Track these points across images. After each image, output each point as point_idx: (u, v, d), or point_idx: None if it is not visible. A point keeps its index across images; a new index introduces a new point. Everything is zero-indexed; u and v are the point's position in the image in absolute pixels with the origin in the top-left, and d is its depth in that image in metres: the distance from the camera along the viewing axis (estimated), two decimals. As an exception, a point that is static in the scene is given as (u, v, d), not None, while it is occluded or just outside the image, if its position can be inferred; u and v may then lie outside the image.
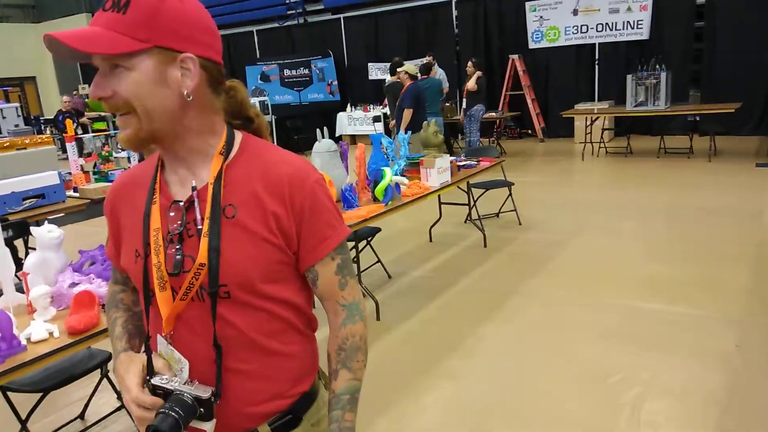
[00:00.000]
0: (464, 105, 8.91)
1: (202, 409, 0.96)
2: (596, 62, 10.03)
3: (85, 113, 12.96)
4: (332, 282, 1.06)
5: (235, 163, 1.02)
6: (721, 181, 6.65)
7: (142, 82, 0.92)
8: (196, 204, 1.00)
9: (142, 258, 1.02)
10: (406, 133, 6.48)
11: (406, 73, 6.83)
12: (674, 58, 9.09)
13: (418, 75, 7.22)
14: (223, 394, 1.00)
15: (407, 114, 6.61)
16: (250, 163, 1.02)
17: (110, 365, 2.56)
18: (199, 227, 0.98)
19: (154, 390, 0.98)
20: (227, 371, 1.00)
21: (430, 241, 5.32)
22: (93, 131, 12.71)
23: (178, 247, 0.99)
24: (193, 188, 1.00)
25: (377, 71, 12.27)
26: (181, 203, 1.01)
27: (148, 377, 1.01)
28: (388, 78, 7.94)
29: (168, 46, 0.93)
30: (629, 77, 8.20)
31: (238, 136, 1.06)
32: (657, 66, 8.01)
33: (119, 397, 2.68)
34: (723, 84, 9.02)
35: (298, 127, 12.40)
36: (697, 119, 9.02)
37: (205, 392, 0.97)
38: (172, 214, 1.01)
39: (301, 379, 1.09)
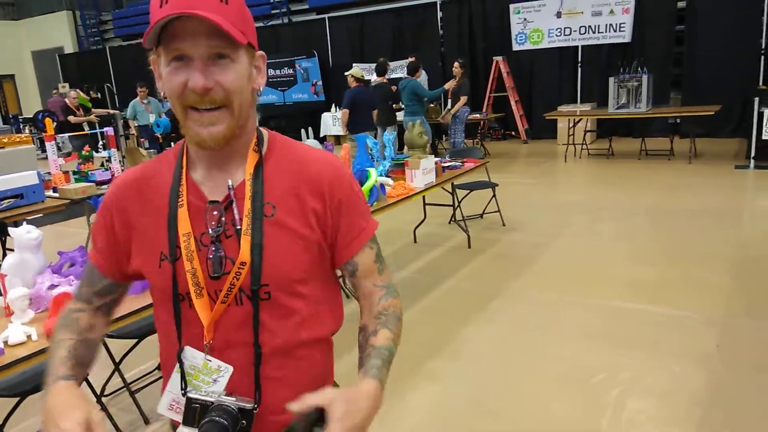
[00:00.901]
0: (449, 106, 8.93)
1: (244, 421, 0.92)
2: (579, 64, 10.12)
3: (76, 111, 12.81)
4: (371, 269, 1.08)
5: (267, 160, 1.01)
6: (702, 182, 6.74)
7: (242, 75, 0.93)
8: (234, 203, 0.97)
9: (169, 262, 0.97)
10: (348, 132, 6.69)
11: (353, 76, 6.97)
12: (656, 61, 9.19)
13: (366, 78, 7.45)
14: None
15: (343, 114, 6.87)
16: (283, 161, 1.02)
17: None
18: (238, 227, 0.96)
19: (190, 403, 0.94)
20: (263, 379, 0.97)
21: (415, 242, 5.32)
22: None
23: (215, 248, 0.96)
24: (230, 187, 0.98)
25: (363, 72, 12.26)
26: (218, 203, 0.98)
27: (183, 390, 0.97)
28: (374, 78, 7.95)
29: (253, 42, 0.95)
30: (611, 80, 8.28)
31: (265, 133, 1.05)
32: (639, 68, 8.10)
33: (99, 401, 2.64)
34: (703, 87, 9.15)
35: (282, 128, 12.34)
36: (678, 121, 9.14)
37: (248, 402, 0.93)
38: (214, 213, 0.98)
39: (323, 385, 1.06)
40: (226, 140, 0.93)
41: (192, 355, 0.98)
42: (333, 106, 12.52)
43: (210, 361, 0.96)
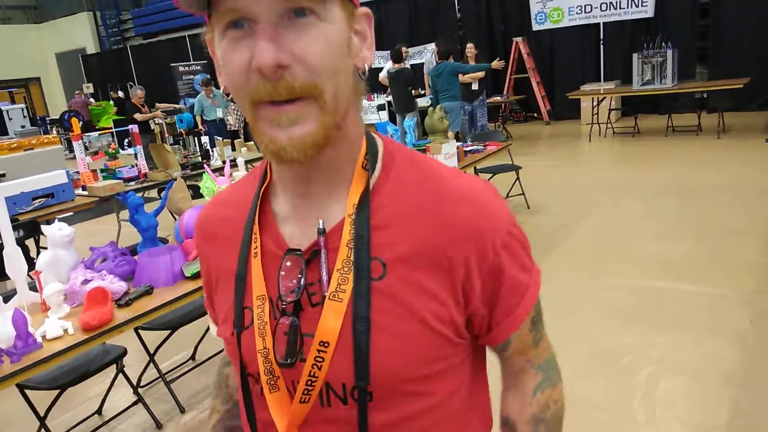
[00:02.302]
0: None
1: None
2: (601, 42, 9.91)
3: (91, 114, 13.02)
4: (525, 342, 0.76)
5: (380, 189, 0.66)
6: (731, 158, 6.58)
7: (336, 43, 0.58)
8: (323, 254, 0.65)
9: (235, 333, 0.70)
10: None
11: None
12: (680, 35, 8.97)
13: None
14: None
15: None
16: (403, 191, 0.66)
17: (125, 360, 2.59)
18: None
19: None
20: None
21: (439, 227, 5.30)
22: (100, 129, 12.77)
23: (292, 320, 0.65)
24: (321, 231, 0.65)
25: (381, 59, 12.21)
26: (300, 253, 0.66)
27: None
28: (390, 65, 7.93)
29: None
30: (635, 56, 8.11)
31: (379, 142, 0.70)
32: (663, 44, 7.91)
33: (135, 392, 2.71)
34: (730, 60, 8.90)
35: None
36: (705, 96, 8.92)
37: None
38: (288, 264, 0.67)
39: None
40: (317, 148, 0.59)
41: None
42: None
43: None
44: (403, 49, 8.62)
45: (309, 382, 0.64)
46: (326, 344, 0.62)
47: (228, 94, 8.38)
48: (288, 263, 0.66)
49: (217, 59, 0.62)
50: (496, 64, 8.15)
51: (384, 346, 0.62)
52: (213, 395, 0.90)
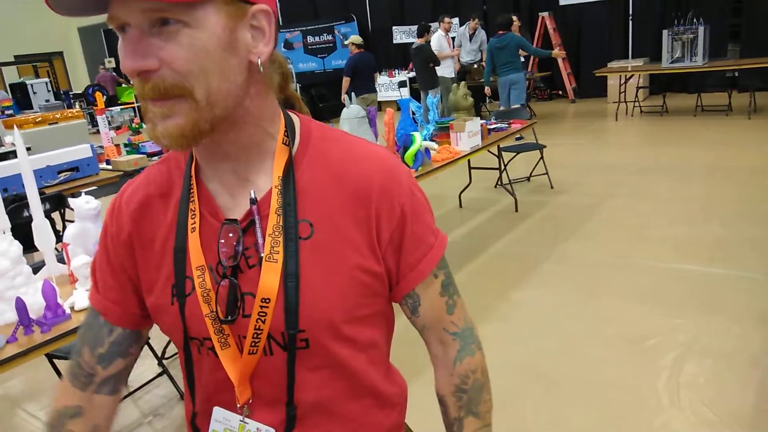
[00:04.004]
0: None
1: None
2: (630, 18, 9.66)
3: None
4: (438, 306, 0.81)
5: (300, 160, 0.76)
6: (761, 138, 6.40)
7: (204, 47, 0.63)
8: (257, 221, 0.73)
9: (177, 301, 0.76)
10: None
11: (353, 43, 7.45)
12: (712, 11, 8.69)
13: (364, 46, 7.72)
14: None
15: (345, 82, 7.30)
16: (320, 160, 0.76)
17: (150, 332, 2.62)
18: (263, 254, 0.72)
19: None
20: None
21: (460, 206, 5.27)
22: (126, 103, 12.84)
23: (231, 281, 0.73)
24: (252, 201, 0.74)
25: (402, 35, 12.05)
26: (237, 223, 0.74)
27: None
28: (416, 41, 7.83)
29: None
30: (665, 32, 7.88)
31: (296, 120, 0.79)
32: (694, 20, 7.67)
33: (160, 363, 2.75)
34: (763, 37, 8.61)
35: (323, 95, 12.31)
36: (736, 75, 8.67)
37: None
38: (229, 235, 0.74)
39: None
40: (189, 139, 0.66)
41: (225, 417, 0.79)
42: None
43: (247, 423, 0.78)
44: (446, 19, 8.52)
45: (255, 335, 0.72)
46: (267, 300, 0.71)
47: None
48: (227, 232, 0.74)
49: None
50: (557, 53, 8.06)
51: (314, 296, 0.72)
52: None
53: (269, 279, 0.71)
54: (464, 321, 0.85)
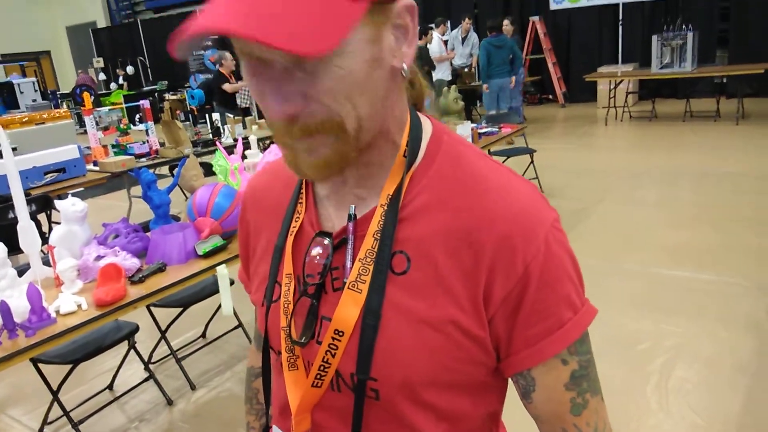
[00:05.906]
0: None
1: None
2: (620, 23, 9.73)
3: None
4: (559, 399, 0.63)
5: (419, 179, 0.63)
6: (750, 144, 6.46)
7: (354, 69, 0.53)
8: (349, 241, 0.63)
9: (265, 305, 0.71)
10: None
11: None
12: (701, 17, 8.78)
13: None
14: None
15: None
16: (443, 183, 0.62)
17: (137, 336, 2.59)
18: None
19: None
20: None
21: (451, 209, 5.27)
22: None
23: (312, 302, 0.65)
24: (351, 216, 0.63)
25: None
26: (327, 239, 0.65)
27: None
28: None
29: None
30: (654, 38, 7.95)
31: (426, 126, 0.66)
32: (683, 26, 7.74)
33: (147, 368, 2.72)
34: (752, 43, 8.71)
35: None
36: (725, 81, 8.75)
37: None
38: (317, 245, 0.66)
39: None
40: (334, 171, 0.59)
41: None
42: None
43: None
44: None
45: (322, 368, 0.62)
46: (341, 333, 0.61)
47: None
48: (318, 244, 0.66)
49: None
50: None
51: (394, 344, 0.60)
52: (246, 410, 0.90)
53: (348, 310, 0.61)
54: (595, 427, 0.66)
